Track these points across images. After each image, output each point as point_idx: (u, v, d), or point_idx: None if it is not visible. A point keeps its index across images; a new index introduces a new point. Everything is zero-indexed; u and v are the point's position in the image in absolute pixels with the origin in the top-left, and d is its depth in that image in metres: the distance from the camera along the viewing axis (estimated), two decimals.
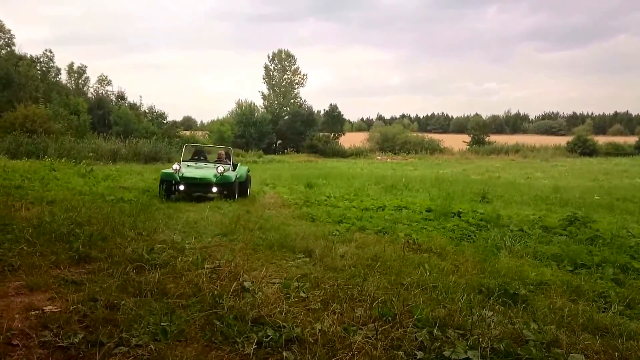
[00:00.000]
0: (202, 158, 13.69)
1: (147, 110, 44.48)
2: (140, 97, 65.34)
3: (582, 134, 55.90)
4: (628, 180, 18.35)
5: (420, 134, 61.33)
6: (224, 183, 11.81)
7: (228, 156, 13.95)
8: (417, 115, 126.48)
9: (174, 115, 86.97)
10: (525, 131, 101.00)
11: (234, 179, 11.96)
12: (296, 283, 4.16)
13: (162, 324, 3.13)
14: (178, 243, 5.50)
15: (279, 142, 54.20)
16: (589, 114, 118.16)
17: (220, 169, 11.90)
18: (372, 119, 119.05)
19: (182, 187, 11.59)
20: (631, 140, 55.10)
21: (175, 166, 11.97)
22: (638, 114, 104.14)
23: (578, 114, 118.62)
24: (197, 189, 11.81)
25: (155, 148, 29.33)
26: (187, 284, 4.05)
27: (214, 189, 11.74)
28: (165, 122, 43.69)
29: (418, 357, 2.88)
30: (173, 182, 11.63)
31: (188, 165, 12.59)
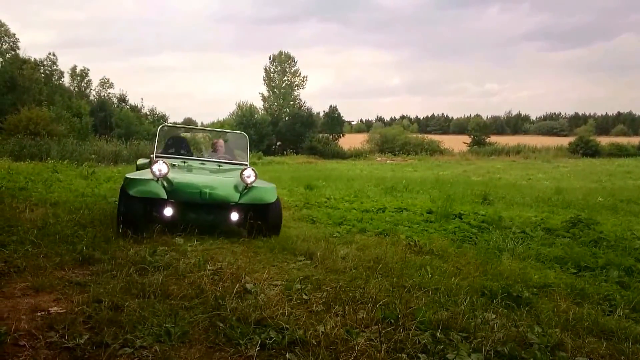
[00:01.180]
0: (183, 152, 8.06)
1: (148, 112, 44.76)
2: (142, 99, 65.55)
3: (584, 134, 55.75)
4: (632, 181, 18.31)
5: (420, 135, 61.28)
6: (253, 204, 6.46)
7: (229, 150, 8.52)
8: (417, 117, 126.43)
9: (175, 117, 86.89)
10: (526, 132, 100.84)
11: (275, 197, 6.62)
12: (298, 285, 4.17)
13: (165, 325, 3.16)
14: (180, 245, 5.52)
15: (278, 143, 54.28)
16: (592, 114, 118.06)
17: (250, 175, 6.52)
18: (371, 121, 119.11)
19: (169, 212, 6.21)
20: (635, 140, 54.90)
21: (159, 167, 6.20)
22: None
23: (580, 114, 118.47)
24: (202, 216, 6.38)
25: None
26: (190, 285, 4.07)
27: (234, 216, 6.46)
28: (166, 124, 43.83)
29: None
30: (151, 200, 6.14)
31: (174, 165, 7.00)
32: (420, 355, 2.93)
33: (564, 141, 55.60)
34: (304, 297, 3.89)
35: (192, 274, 4.39)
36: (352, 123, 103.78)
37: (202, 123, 77.51)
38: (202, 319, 3.34)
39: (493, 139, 59.42)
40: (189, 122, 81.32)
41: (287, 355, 2.82)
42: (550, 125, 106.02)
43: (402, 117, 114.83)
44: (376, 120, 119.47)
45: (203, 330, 3.18)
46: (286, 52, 58.23)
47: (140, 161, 9.04)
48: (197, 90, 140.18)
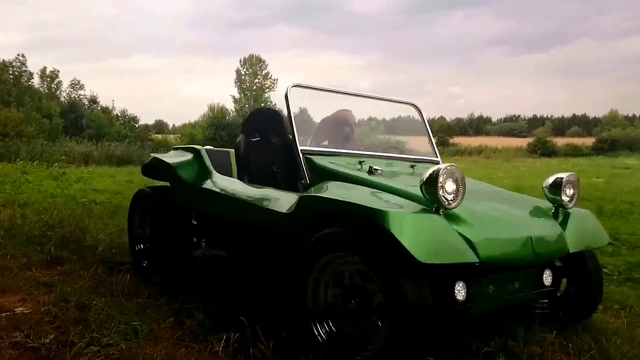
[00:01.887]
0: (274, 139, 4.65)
1: (119, 114, 44.17)
2: (113, 100, 64.35)
3: (542, 135, 56.80)
4: (585, 179, 18.70)
5: (387, 136, 61.61)
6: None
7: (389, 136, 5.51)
8: (384, 118, 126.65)
9: (146, 119, 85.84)
10: (487, 133, 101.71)
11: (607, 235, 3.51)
12: None
13: (133, 323, 3.18)
14: None
15: None
16: (549, 116, 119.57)
17: (572, 185, 3.39)
18: None
19: (463, 292, 2.67)
20: (588, 141, 56.20)
21: (449, 187, 2.69)
22: (595, 116, 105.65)
23: (538, 116, 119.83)
24: (506, 287, 2.97)
25: (128, 151, 29.10)
26: (158, 284, 4.09)
27: (547, 279, 3.23)
28: (137, 125, 43.39)
29: None
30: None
31: (374, 171, 3.39)
32: None
33: (523, 142, 56.50)
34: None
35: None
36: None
37: (173, 125, 76.60)
38: (170, 316, 3.37)
39: (456, 140, 60.41)
40: (159, 124, 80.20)
41: (252, 350, 2.86)
42: (510, 126, 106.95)
43: (370, 119, 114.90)
44: None
45: (170, 328, 3.21)
46: (257, 55, 58.52)
47: (174, 156, 4.73)
48: (169, 92, 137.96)
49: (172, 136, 55.66)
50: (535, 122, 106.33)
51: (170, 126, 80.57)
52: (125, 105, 72.80)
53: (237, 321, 3.17)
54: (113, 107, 45.28)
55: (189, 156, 4.46)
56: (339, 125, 4.42)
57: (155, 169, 4.81)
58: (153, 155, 4.98)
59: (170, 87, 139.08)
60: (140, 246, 4.71)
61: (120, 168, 22.32)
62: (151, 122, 67.79)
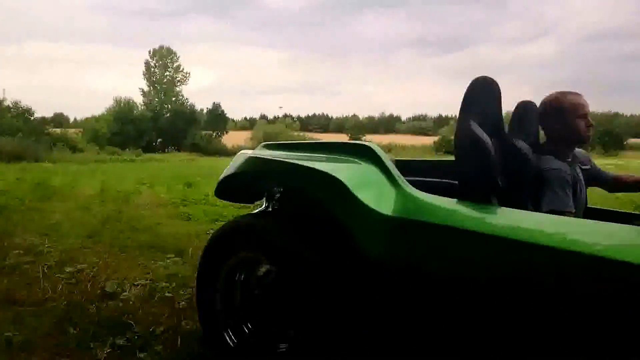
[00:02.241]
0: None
1: (11, 105, 41.28)
2: (4, 90, 59.92)
3: (446, 134, 59.86)
4: None
5: (301, 134, 62.54)
6: None
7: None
8: (299, 115, 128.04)
9: (43, 111, 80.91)
10: (397, 132, 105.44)
11: None
12: (163, 283, 4.04)
13: (6, 333, 2.91)
14: (35, 246, 5.13)
15: (159, 140, 52.69)
16: (453, 116, 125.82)
17: None
18: (255, 118, 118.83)
19: None
20: None
21: None
22: None
23: (443, 116, 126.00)
24: None
25: (20, 146, 27.27)
26: (42, 290, 3.79)
27: None
28: (32, 118, 40.80)
29: None
30: None
31: None
32: None
33: (430, 140, 59.59)
34: (168, 295, 3.78)
35: (45, 277, 4.10)
36: (237, 120, 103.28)
37: (75, 118, 72.83)
38: (51, 324, 3.11)
39: (368, 137, 62.22)
40: (59, 116, 75.95)
41: (140, 354, 2.69)
42: (418, 125, 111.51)
43: (285, 116, 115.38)
44: (260, 118, 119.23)
45: (50, 336, 2.96)
46: (167, 47, 56.76)
47: (296, 158, 2.42)
48: (69, 83, 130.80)
49: (72, 130, 52.87)
50: (442, 121, 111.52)
51: (72, 120, 76.73)
52: (19, 96, 67.83)
53: (126, 325, 2.98)
54: (4, 97, 42.15)
55: (353, 161, 2.27)
56: (580, 118, 2.52)
57: (256, 182, 2.81)
58: (248, 153, 2.79)
59: (70, 77, 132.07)
60: (232, 336, 2.54)
61: (11, 165, 20.89)
62: (49, 114, 64.14)
